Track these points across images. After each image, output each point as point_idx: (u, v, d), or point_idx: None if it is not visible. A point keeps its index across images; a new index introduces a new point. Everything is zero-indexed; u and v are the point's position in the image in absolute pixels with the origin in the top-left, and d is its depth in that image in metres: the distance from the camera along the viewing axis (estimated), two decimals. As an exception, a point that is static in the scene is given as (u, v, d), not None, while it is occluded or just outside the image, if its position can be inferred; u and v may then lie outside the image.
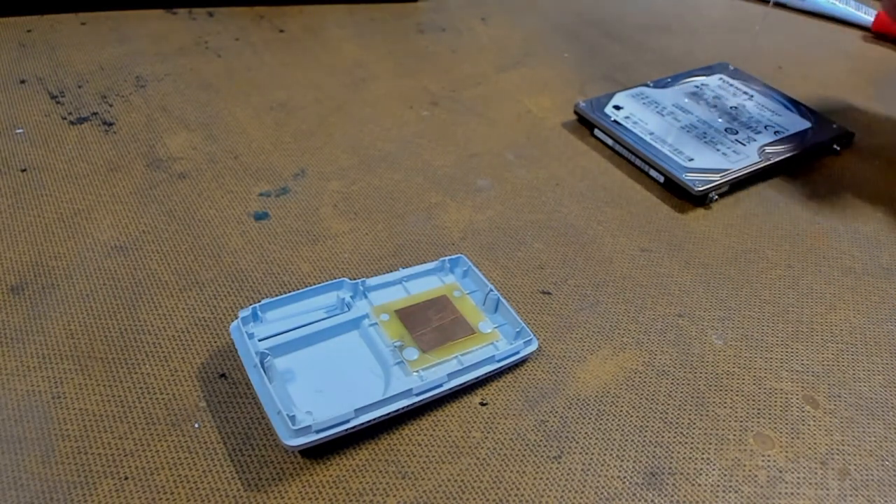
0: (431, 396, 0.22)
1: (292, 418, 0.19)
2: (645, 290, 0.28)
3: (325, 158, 0.34)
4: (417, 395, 0.21)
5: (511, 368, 0.24)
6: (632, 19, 0.51)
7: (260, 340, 0.22)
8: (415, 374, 0.22)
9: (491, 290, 0.25)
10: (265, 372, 0.21)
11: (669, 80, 0.40)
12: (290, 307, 0.23)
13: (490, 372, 0.23)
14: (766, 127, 0.37)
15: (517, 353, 0.23)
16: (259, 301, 0.23)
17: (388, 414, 0.21)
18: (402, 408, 0.21)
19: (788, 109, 0.38)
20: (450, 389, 0.22)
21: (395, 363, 0.22)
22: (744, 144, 0.35)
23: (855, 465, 0.22)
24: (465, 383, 0.22)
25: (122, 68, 0.39)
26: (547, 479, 0.21)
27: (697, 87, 0.40)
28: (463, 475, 0.21)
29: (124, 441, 0.21)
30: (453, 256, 0.26)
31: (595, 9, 0.53)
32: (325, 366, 0.22)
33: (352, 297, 0.24)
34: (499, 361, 0.23)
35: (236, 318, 0.22)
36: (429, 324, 0.24)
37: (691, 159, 0.33)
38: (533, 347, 0.24)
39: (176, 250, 0.27)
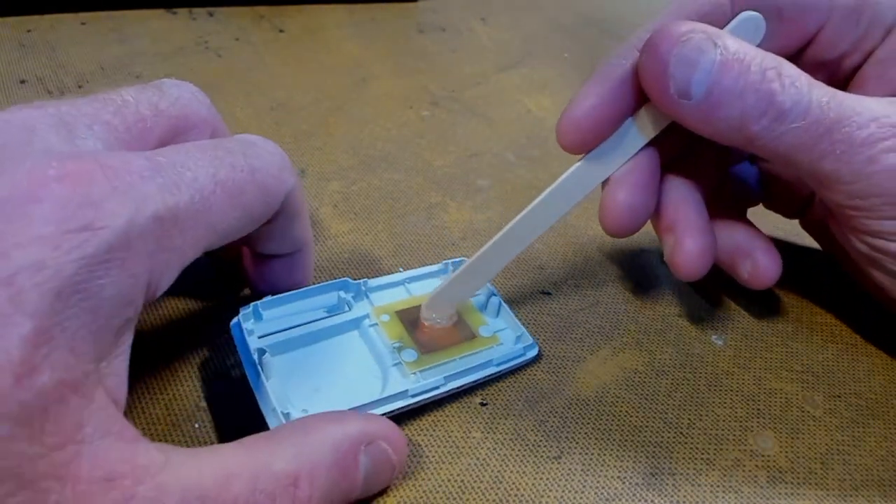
0: (427, 399, 0.22)
1: (287, 415, 0.19)
2: (645, 290, 0.28)
3: (325, 158, 0.34)
4: (413, 396, 0.21)
5: (511, 370, 0.24)
6: (632, 19, 0.51)
7: (260, 338, 0.22)
8: (412, 375, 0.22)
9: (493, 294, 0.25)
10: (262, 369, 0.21)
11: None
12: (292, 305, 0.23)
13: (488, 376, 0.23)
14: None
15: (516, 358, 0.23)
16: (260, 299, 0.23)
17: (384, 415, 0.21)
18: (398, 409, 0.21)
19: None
20: (446, 392, 0.22)
21: (394, 364, 0.22)
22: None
23: (855, 464, 0.22)
24: (461, 386, 0.22)
25: (122, 68, 0.39)
26: (547, 479, 0.21)
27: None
28: (463, 475, 0.21)
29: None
30: (456, 259, 0.26)
31: (595, 9, 0.53)
32: (324, 365, 0.22)
33: (353, 297, 0.24)
34: (497, 366, 0.23)
35: (237, 315, 0.22)
36: (429, 326, 0.24)
37: (691, 159, 0.33)
38: (533, 353, 0.24)
39: (176, 250, 0.27)
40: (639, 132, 0.22)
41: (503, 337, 0.24)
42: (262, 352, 0.21)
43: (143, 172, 0.15)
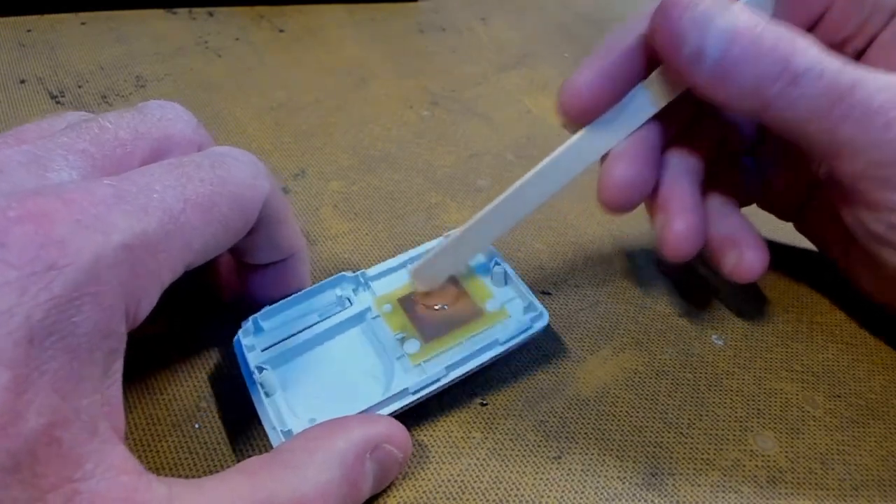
0: (429, 393, 0.21)
1: (287, 433, 0.19)
2: (645, 290, 0.28)
3: (325, 158, 0.34)
4: (414, 393, 0.21)
5: (511, 369, 0.24)
6: (632, 19, 0.51)
7: (263, 350, 0.22)
8: (415, 367, 0.22)
9: (496, 263, 0.24)
10: (263, 386, 0.20)
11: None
12: (291, 311, 0.23)
13: (495, 357, 0.22)
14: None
15: (523, 332, 0.22)
16: (259, 309, 0.23)
17: (389, 415, 0.20)
18: (402, 407, 0.21)
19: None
20: (449, 382, 0.21)
21: (398, 357, 0.22)
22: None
23: (855, 464, 0.22)
24: (466, 373, 0.21)
25: (122, 68, 0.39)
26: (547, 479, 0.21)
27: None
28: (463, 475, 0.21)
29: (125, 442, 0.21)
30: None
31: (595, 9, 0.53)
32: (327, 369, 0.22)
33: (353, 289, 0.24)
34: (503, 344, 0.22)
35: (239, 327, 0.22)
36: (432, 309, 0.23)
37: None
38: (541, 324, 0.22)
39: (176, 250, 0.27)
40: (645, 103, 0.21)
41: (512, 308, 0.23)
42: (261, 369, 0.21)
43: (108, 201, 0.15)
